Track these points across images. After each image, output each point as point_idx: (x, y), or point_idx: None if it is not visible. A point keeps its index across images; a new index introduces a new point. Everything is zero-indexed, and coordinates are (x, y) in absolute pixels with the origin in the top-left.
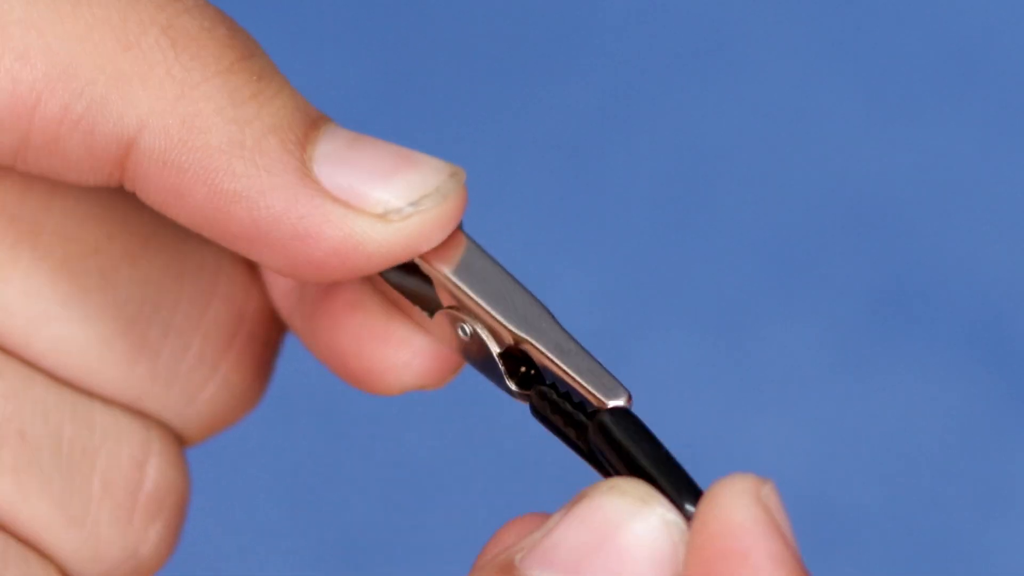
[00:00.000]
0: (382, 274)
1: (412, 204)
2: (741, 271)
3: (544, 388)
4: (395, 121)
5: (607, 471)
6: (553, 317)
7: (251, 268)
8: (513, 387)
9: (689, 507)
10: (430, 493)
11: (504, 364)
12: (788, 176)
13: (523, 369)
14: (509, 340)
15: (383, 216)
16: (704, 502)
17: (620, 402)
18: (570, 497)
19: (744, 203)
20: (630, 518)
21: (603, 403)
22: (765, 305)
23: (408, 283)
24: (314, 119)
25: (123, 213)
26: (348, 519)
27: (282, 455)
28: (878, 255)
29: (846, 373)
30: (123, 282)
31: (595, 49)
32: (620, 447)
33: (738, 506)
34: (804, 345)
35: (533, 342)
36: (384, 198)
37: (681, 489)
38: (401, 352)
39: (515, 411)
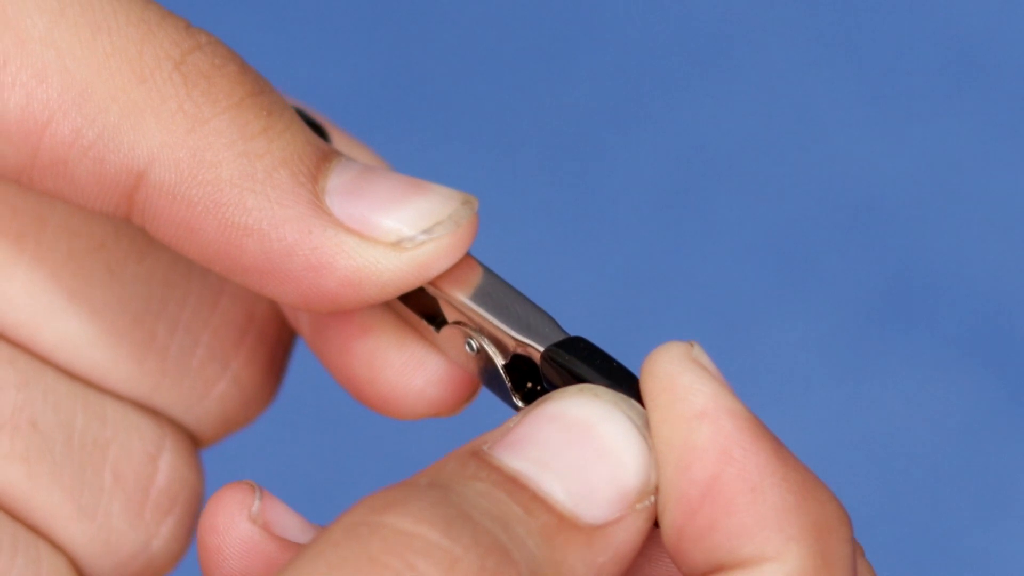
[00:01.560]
0: None
1: (425, 232)
2: (741, 272)
3: (547, 385)
4: (395, 123)
5: None
6: (555, 322)
7: None
8: (519, 403)
9: None
10: None
11: (510, 379)
12: (788, 176)
13: (529, 384)
14: (513, 347)
15: (396, 244)
16: (646, 375)
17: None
18: None
19: (744, 203)
20: (603, 418)
21: None
22: (765, 305)
23: (415, 298)
24: (325, 152)
25: None
26: None
27: (283, 456)
28: (878, 255)
29: (846, 373)
30: (129, 278)
31: (596, 49)
32: (573, 374)
33: (678, 369)
34: (804, 345)
35: (537, 346)
36: (396, 227)
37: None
38: (414, 381)
39: None
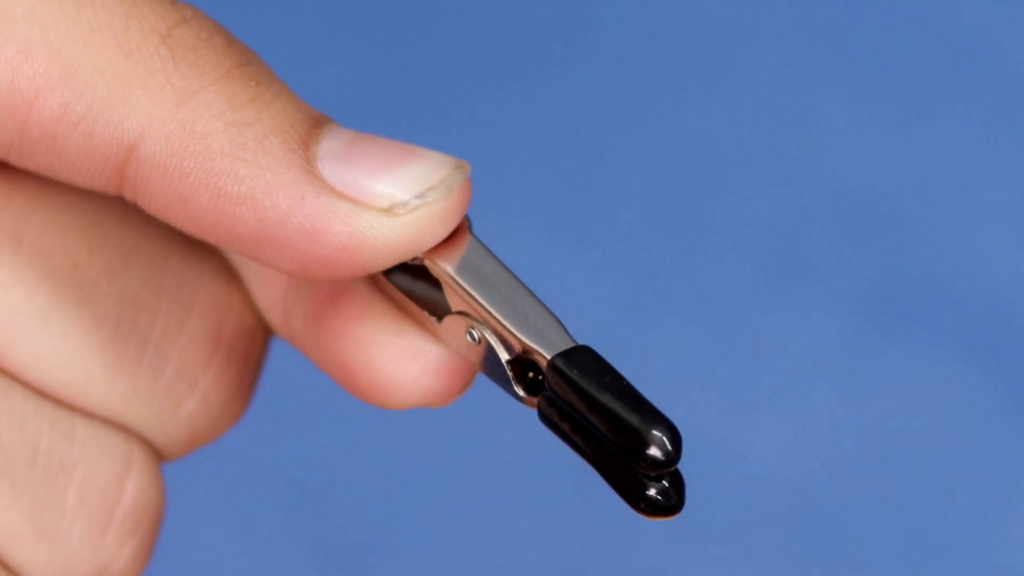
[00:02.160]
0: (391, 279)
1: (418, 197)
2: (741, 270)
3: (552, 395)
4: (394, 122)
5: (616, 481)
6: (563, 326)
7: (231, 287)
8: (521, 393)
9: (656, 433)
10: (432, 494)
11: (512, 370)
12: (788, 175)
13: (531, 375)
14: (518, 349)
15: (389, 210)
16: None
17: None
18: (575, 500)
19: (744, 201)
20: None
21: None
22: (765, 304)
23: (418, 288)
24: (316, 119)
25: (104, 227)
26: (348, 520)
27: (281, 455)
28: (878, 254)
29: (846, 371)
30: (102, 297)
31: (596, 48)
32: (578, 387)
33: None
34: (804, 344)
35: (543, 352)
36: (389, 192)
37: (648, 418)
38: (411, 367)
39: (521, 415)
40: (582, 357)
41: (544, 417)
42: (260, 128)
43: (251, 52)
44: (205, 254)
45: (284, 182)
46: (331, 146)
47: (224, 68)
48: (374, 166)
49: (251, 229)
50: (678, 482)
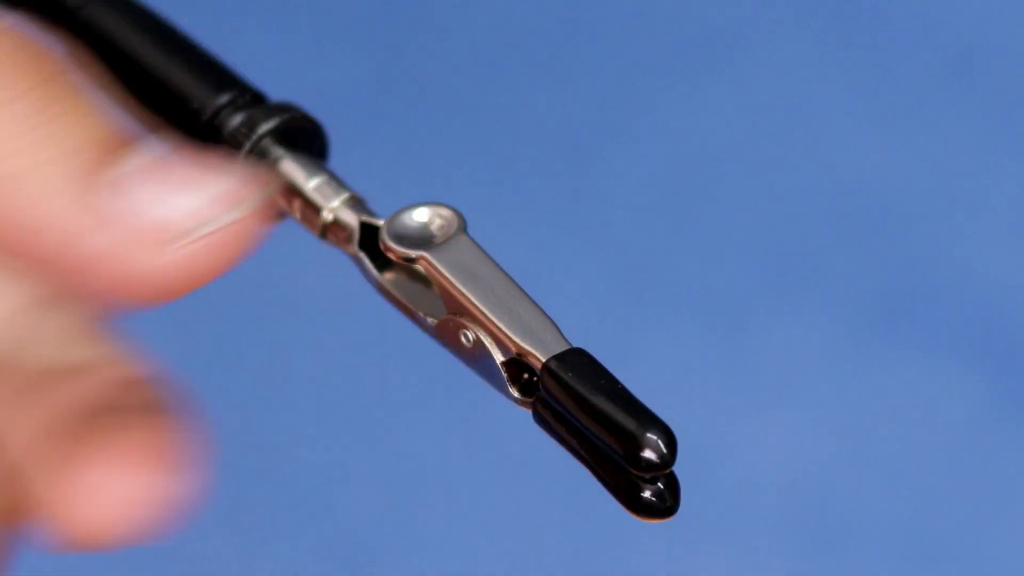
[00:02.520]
0: (385, 279)
1: (193, 231)
2: (742, 269)
3: (546, 397)
4: (392, 121)
5: (611, 483)
6: (557, 328)
7: None
8: (516, 394)
9: (651, 436)
10: (429, 495)
11: (507, 371)
12: (788, 173)
13: (525, 376)
14: (513, 351)
15: (161, 245)
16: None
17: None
18: (571, 502)
19: (744, 199)
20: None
21: None
22: (765, 303)
23: (412, 288)
24: (113, 142)
25: None
26: (348, 519)
27: (281, 454)
28: (879, 253)
29: (846, 371)
30: None
31: (595, 45)
32: (572, 391)
33: None
34: (805, 343)
35: (537, 355)
36: (164, 225)
37: (643, 421)
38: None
39: (517, 416)
40: (576, 360)
41: (539, 419)
42: (48, 155)
43: (62, 66)
44: None
45: (63, 216)
46: (120, 172)
47: (22, 87)
48: (153, 197)
49: (35, 258)
50: (673, 484)
